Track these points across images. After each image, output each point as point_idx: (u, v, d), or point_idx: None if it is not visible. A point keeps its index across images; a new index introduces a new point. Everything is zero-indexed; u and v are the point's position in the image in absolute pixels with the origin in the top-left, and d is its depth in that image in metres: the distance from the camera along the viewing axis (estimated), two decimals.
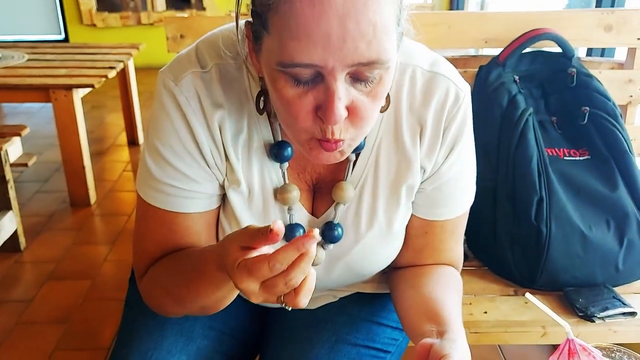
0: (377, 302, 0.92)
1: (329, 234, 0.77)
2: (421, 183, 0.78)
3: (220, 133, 0.72)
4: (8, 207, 2.09)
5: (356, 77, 0.59)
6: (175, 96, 0.70)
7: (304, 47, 0.55)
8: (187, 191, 0.74)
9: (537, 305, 0.63)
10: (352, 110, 0.60)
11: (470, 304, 1.13)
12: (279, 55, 0.57)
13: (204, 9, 4.91)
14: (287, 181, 0.76)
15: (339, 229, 0.78)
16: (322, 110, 0.58)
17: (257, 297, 0.57)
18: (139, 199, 0.77)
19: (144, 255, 0.79)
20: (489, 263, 1.25)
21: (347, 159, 0.75)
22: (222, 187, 0.76)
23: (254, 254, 0.57)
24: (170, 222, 0.76)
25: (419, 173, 0.76)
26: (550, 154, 1.19)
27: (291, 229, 0.77)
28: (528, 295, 0.64)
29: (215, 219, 0.79)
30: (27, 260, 2.15)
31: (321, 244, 0.79)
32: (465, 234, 1.27)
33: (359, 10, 0.54)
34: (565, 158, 1.20)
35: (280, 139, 0.74)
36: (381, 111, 0.69)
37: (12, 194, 2.09)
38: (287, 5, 0.55)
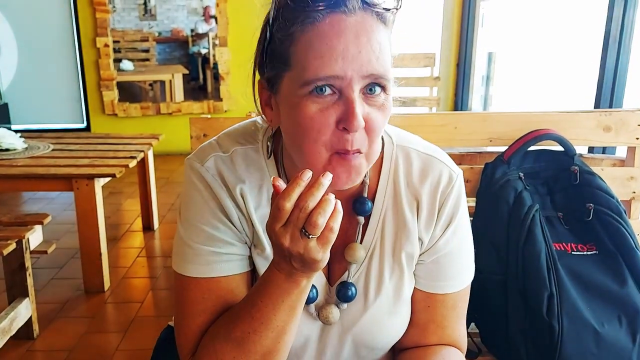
0: None
1: (343, 292, 0.83)
2: (420, 255, 0.85)
3: (244, 203, 0.80)
4: (25, 294, 2.12)
5: (366, 93, 0.70)
6: (202, 175, 0.80)
7: (327, 61, 0.67)
8: (225, 254, 0.80)
9: None
10: (367, 121, 0.70)
11: None
12: (304, 76, 0.68)
13: (220, 99, 5.14)
14: None
15: (353, 288, 0.84)
16: (344, 121, 0.67)
17: (285, 236, 0.65)
18: (178, 280, 0.82)
19: (193, 329, 0.81)
20: (502, 358, 1.24)
21: (357, 222, 0.83)
22: (251, 250, 0.83)
23: None
24: (213, 289, 0.81)
25: (417, 243, 0.84)
26: (558, 248, 1.22)
27: None
28: None
29: (251, 282, 0.85)
30: (39, 348, 2.15)
31: (336, 303, 0.84)
32: (479, 327, 1.29)
33: (367, 31, 0.68)
34: (573, 253, 1.22)
35: None
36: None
37: (29, 281, 2.13)
38: (311, 30, 0.68)
